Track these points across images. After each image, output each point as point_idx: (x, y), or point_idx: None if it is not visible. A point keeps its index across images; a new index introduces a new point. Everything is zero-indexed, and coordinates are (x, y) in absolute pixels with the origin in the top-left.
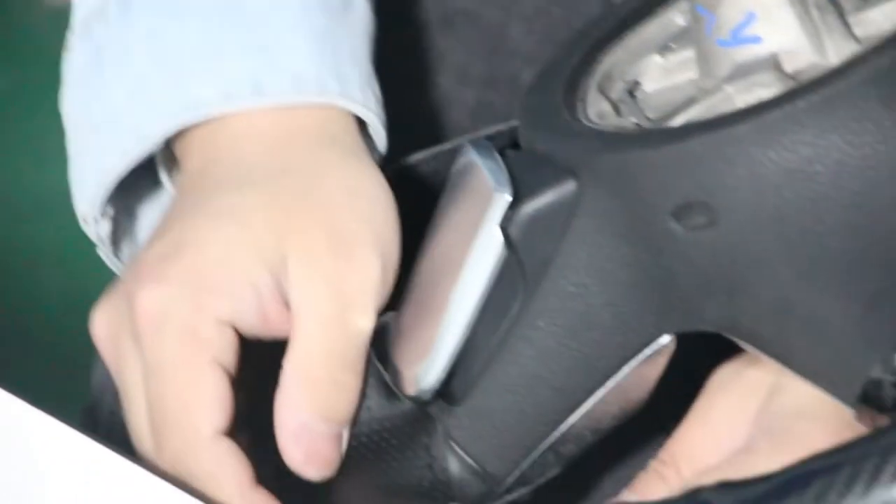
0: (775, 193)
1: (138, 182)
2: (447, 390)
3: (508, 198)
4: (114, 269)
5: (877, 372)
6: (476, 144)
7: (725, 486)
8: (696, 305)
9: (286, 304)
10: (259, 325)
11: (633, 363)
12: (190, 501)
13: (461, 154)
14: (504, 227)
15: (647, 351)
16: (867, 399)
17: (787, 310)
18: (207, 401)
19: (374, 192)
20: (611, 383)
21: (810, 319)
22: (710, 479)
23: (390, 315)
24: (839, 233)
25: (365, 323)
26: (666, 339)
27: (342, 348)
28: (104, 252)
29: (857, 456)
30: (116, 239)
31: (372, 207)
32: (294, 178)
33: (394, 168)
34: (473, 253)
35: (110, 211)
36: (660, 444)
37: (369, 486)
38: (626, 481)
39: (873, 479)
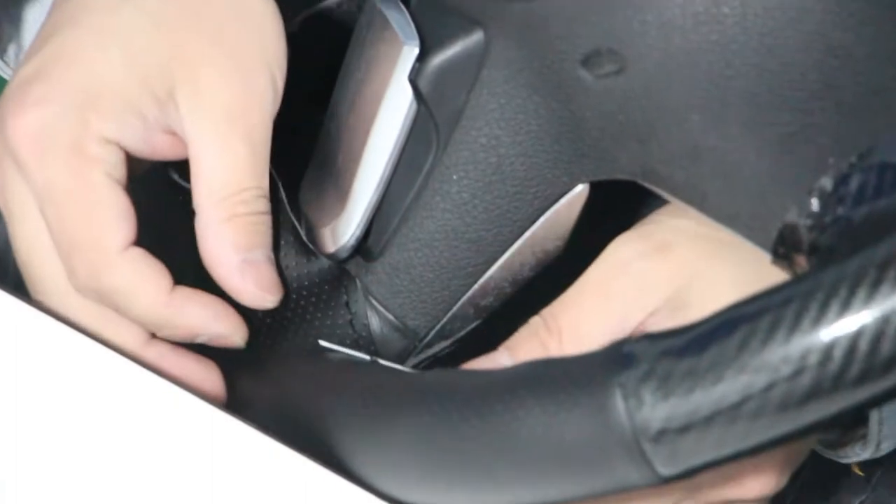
0: (682, 38)
1: None
2: (364, 246)
3: (416, 50)
4: (3, 75)
5: (792, 216)
6: None
7: (648, 338)
8: (608, 153)
9: (173, 133)
10: (144, 151)
11: (548, 213)
12: (95, 345)
13: (368, 6)
14: (413, 79)
15: (563, 201)
16: (784, 244)
17: (699, 155)
18: (110, 216)
19: (261, 7)
20: (527, 234)
21: (722, 164)
22: None
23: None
24: (748, 76)
25: (264, 150)
26: (580, 188)
27: (251, 180)
28: None
29: (779, 302)
30: (3, 46)
31: (261, 25)
32: None
33: (306, 15)
34: (384, 107)
35: None
36: None
37: (293, 348)
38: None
39: (795, 325)
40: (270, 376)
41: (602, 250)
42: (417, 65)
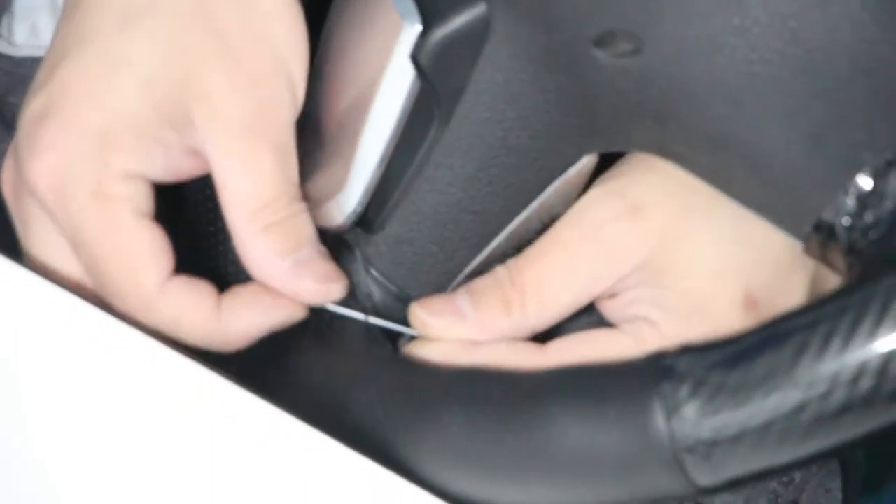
0: (703, 21)
1: None
2: (364, 219)
3: (419, 27)
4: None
5: (829, 215)
6: None
7: (689, 351)
8: (622, 129)
9: (195, 153)
10: (169, 176)
11: (556, 183)
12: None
13: None
14: (414, 55)
15: (571, 171)
16: (819, 240)
17: (723, 143)
18: (142, 256)
19: (269, 6)
20: (534, 204)
21: (749, 154)
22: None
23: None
24: (771, 62)
25: (288, 154)
26: (589, 158)
27: (280, 188)
28: None
29: (832, 313)
30: None
31: (269, 25)
32: (179, 4)
33: None
34: (385, 83)
35: None
36: None
37: (295, 326)
38: None
39: (851, 336)
40: (294, 363)
41: None
42: (419, 40)
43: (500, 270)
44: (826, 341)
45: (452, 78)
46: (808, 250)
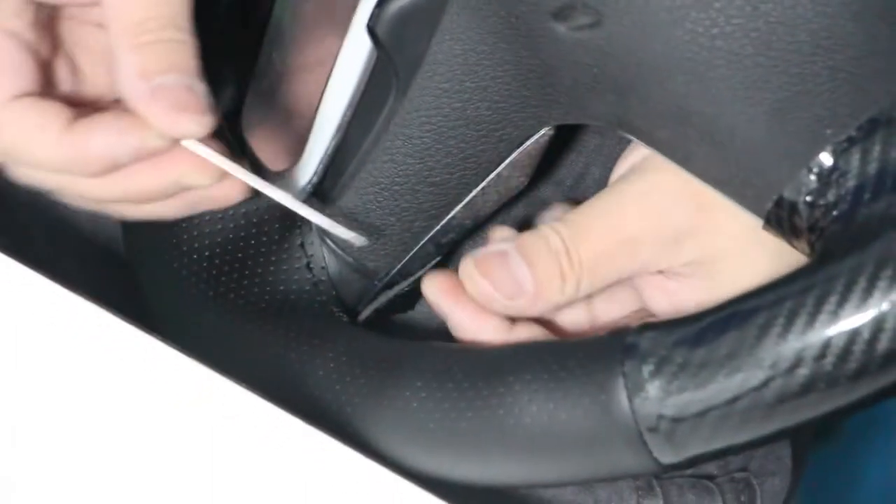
0: None
1: None
2: (321, 189)
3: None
4: None
5: (791, 193)
6: None
7: (652, 328)
8: (581, 102)
9: None
10: None
11: (514, 155)
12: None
13: None
14: (371, 26)
15: (529, 142)
16: (780, 217)
17: (684, 118)
18: None
19: None
20: (492, 175)
21: (710, 130)
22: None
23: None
24: (733, 36)
25: None
26: (547, 130)
27: (154, 9)
28: None
29: (797, 291)
30: None
31: None
32: None
33: None
34: (342, 55)
35: None
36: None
37: (252, 297)
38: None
39: (814, 314)
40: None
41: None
42: (376, 10)
43: (552, 238)
44: (790, 320)
45: (409, 49)
46: (768, 227)
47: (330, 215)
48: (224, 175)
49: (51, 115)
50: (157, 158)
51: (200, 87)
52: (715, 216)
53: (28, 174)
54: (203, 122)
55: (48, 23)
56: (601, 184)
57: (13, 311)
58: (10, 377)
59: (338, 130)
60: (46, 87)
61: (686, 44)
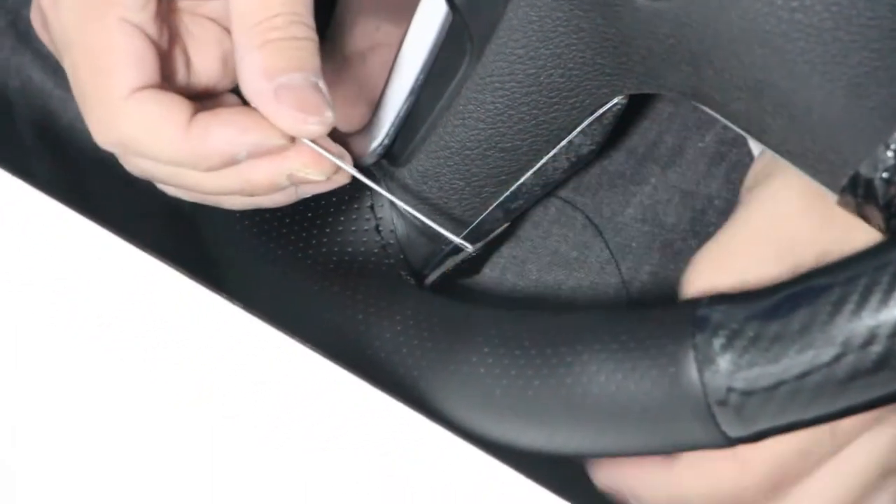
0: None
1: None
2: (392, 152)
3: None
4: None
5: (867, 169)
6: None
7: (724, 301)
8: (655, 72)
9: None
10: None
11: (586, 122)
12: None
13: None
14: None
15: (602, 110)
16: (855, 193)
17: (761, 91)
18: (115, 61)
19: None
20: (563, 142)
21: (787, 103)
22: None
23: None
24: (812, 9)
25: None
26: (620, 98)
27: (281, 6)
28: None
29: (872, 268)
30: None
31: None
32: None
33: None
34: (417, 18)
35: None
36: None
37: (320, 257)
38: (577, 228)
39: (889, 291)
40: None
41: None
42: None
43: None
44: (864, 297)
45: (485, 13)
46: (843, 203)
47: (401, 177)
48: (336, 169)
49: (174, 108)
50: (274, 154)
51: (324, 86)
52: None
53: (141, 165)
54: (326, 121)
55: (167, 15)
56: (674, 152)
57: (13, 310)
58: (9, 377)
59: (410, 93)
60: (165, 80)
61: (765, 16)
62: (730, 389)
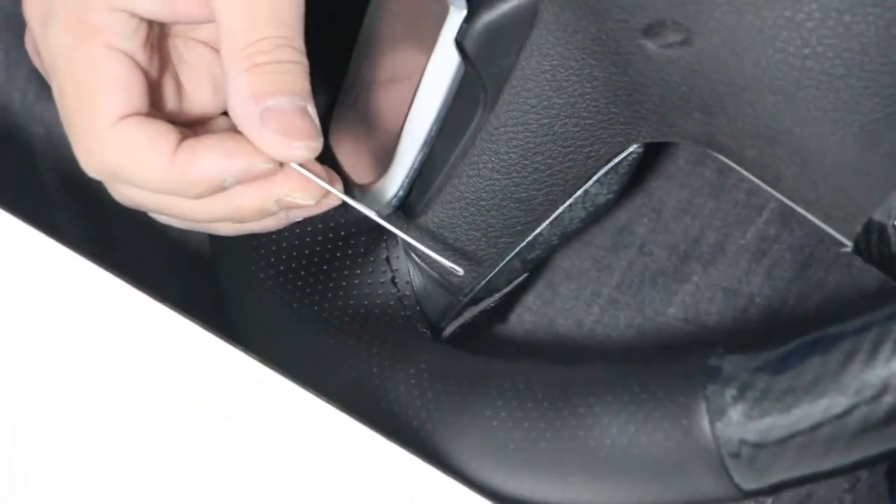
0: (754, 14)
1: None
2: (407, 204)
3: (464, 11)
4: None
5: (880, 216)
6: None
7: (736, 351)
8: (669, 119)
9: None
10: (163, 14)
11: (602, 172)
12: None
13: None
14: (459, 40)
15: (617, 160)
16: (869, 241)
17: (774, 138)
18: (101, 88)
19: None
20: (579, 192)
21: (800, 150)
22: None
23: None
24: (825, 56)
25: (285, 6)
26: (636, 147)
27: (270, 29)
28: None
29: (882, 318)
30: None
31: None
32: None
33: None
34: (429, 69)
35: None
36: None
37: (336, 310)
38: (592, 274)
39: None
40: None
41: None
42: (464, 24)
43: None
44: (876, 347)
45: (498, 64)
46: (857, 251)
47: (416, 229)
48: (325, 193)
49: (160, 136)
50: (262, 179)
51: (312, 110)
52: None
53: (128, 194)
54: (313, 146)
55: (158, 41)
56: (716, 249)
57: (13, 310)
58: (9, 377)
59: (424, 144)
60: (154, 107)
61: (776, 63)
62: (742, 441)
